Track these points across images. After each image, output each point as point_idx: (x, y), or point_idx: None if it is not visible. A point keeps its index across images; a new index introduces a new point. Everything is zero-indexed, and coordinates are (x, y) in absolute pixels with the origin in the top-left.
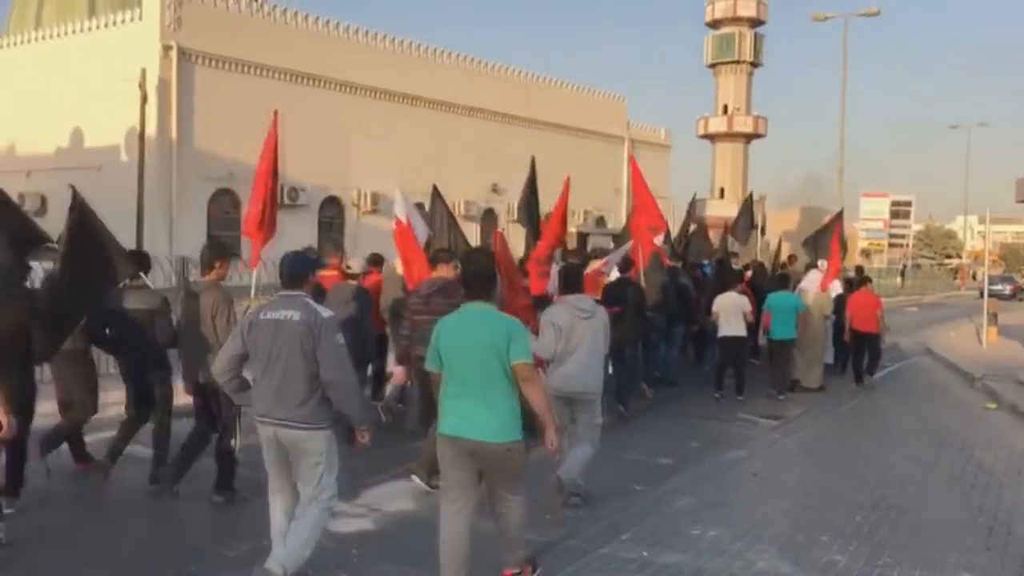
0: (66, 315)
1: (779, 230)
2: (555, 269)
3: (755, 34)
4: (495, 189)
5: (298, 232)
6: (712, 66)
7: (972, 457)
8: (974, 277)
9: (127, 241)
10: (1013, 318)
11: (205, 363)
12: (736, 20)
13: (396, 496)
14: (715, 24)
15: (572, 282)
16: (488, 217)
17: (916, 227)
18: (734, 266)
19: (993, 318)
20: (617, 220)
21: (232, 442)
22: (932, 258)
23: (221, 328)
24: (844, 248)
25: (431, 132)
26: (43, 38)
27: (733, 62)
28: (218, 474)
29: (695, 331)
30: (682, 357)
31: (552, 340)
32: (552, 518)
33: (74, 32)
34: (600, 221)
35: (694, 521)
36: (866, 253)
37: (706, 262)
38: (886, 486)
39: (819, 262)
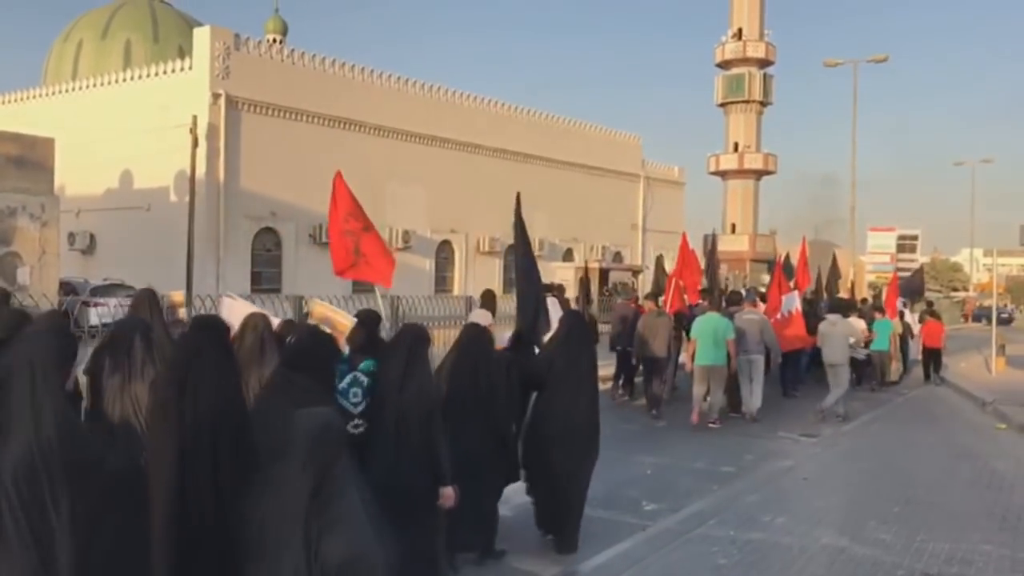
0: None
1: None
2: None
3: (764, 74)
4: None
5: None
6: (722, 105)
7: (986, 466)
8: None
9: (178, 278)
10: (1019, 349)
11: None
12: (745, 61)
13: None
14: (725, 65)
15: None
16: (511, 253)
17: (923, 259)
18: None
19: (1001, 349)
20: (634, 255)
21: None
22: (939, 291)
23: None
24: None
25: (457, 172)
26: (91, 87)
27: (743, 101)
28: (651, 400)
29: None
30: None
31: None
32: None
33: (124, 80)
34: (617, 256)
35: (764, 511)
36: (873, 287)
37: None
38: (915, 487)
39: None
